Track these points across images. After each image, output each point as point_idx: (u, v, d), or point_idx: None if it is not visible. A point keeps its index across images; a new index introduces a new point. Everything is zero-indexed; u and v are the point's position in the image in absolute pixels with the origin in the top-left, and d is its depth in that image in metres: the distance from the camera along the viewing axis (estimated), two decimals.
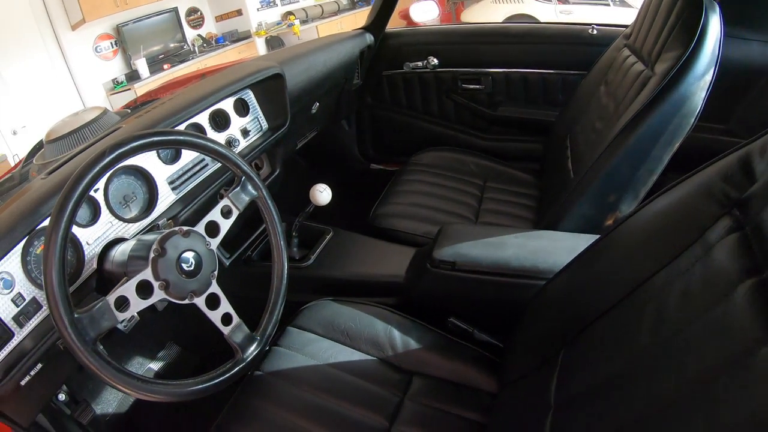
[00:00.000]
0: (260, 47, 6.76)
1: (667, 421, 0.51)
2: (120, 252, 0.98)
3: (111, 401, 1.57)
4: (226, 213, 1.00)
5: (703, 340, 0.53)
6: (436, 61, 2.22)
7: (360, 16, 7.43)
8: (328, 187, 1.48)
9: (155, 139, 0.90)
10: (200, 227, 0.96)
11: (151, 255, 0.87)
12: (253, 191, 1.04)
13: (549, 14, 6.76)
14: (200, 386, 0.89)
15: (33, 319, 0.94)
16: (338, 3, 7.82)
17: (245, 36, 6.76)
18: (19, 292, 0.92)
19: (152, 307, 1.21)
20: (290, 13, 6.95)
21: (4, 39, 4.66)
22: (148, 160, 1.16)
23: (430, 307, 1.29)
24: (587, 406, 0.65)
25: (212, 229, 0.97)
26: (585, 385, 0.68)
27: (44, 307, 0.95)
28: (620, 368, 0.63)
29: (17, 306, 0.91)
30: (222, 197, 1.01)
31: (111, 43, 5.70)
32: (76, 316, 0.79)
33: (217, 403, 1.12)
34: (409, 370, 1.14)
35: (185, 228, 0.92)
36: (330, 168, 2.63)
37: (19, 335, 0.91)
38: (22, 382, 0.92)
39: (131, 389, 0.82)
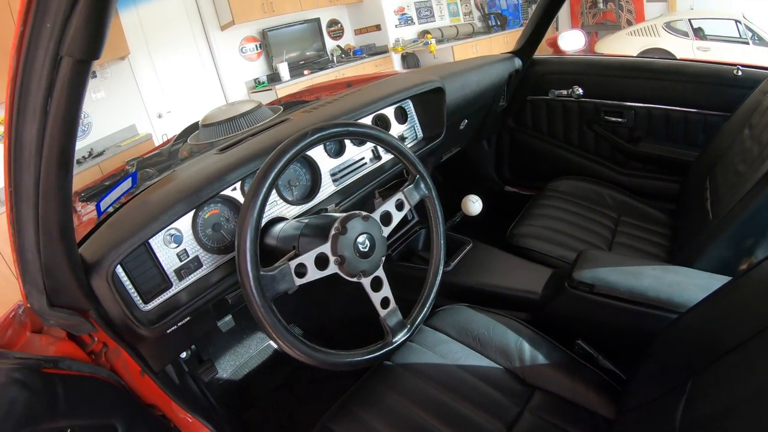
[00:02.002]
0: (396, 62, 6.97)
1: None
2: (283, 229, 1.08)
3: (227, 367, 1.70)
4: (399, 206, 1.08)
5: None
6: (580, 90, 2.22)
7: (495, 41, 7.42)
8: (479, 199, 1.54)
9: (350, 129, 1.00)
10: (376, 215, 1.03)
11: (332, 232, 0.94)
12: (425, 190, 1.12)
13: (685, 50, 6.42)
14: (354, 359, 0.96)
15: (192, 276, 1.05)
16: (473, 26, 7.86)
17: (382, 50, 7.03)
18: (185, 249, 1.04)
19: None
20: (427, 31, 7.12)
21: (159, 34, 5.24)
22: (315, 151, 1.28)
23: (560, 326, 1.31)
24: (712, 428, 0.66)
25: (386, 218, 1.05)
26: (712, 409, 0.69)
27: (204, 266, 1.07)
28: (748, 395, 0.64)
29: (180, 261, 1.03)
30: (377, 197, 1.08)
31: (256, 45, 6.22)
32: (261, 273, 0.87)
33: (328, 390, 1.18)
34: (532, 384, 1.16)
35: (365, 213, 1.00)
36: (465, 185, 2.64)
37: (177, 287, 1.03)
38: (168, 331, 1.02)
39: (294, 350, 0.89)
